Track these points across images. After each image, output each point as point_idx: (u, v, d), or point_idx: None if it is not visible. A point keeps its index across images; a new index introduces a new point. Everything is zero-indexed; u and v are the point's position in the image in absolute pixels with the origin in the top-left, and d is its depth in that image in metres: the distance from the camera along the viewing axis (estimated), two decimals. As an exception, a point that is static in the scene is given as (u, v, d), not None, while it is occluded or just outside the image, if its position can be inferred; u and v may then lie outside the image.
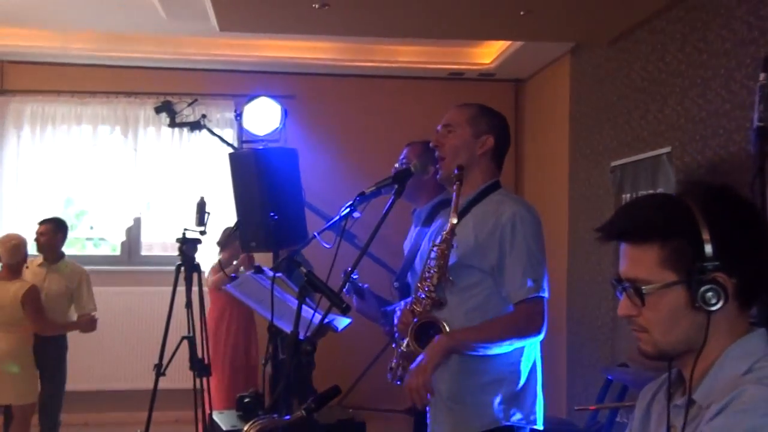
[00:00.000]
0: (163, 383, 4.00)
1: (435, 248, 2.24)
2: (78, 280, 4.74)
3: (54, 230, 4.71)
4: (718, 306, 1.21)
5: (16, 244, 4.52)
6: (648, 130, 4.17)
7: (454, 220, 2.20)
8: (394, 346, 2.47)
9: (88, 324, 4.75)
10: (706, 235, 1.21)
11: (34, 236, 4.73)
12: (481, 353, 2.24)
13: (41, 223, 4.77)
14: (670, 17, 3.96)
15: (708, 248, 1.21)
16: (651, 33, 4.17)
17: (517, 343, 2.26)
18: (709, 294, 1.21)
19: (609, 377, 3.75)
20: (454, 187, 2.24)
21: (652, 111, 4.14)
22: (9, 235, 4.67)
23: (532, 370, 2.33)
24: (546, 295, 2.26)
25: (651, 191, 3.86)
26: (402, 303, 2.48)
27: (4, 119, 5.75)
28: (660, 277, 1.25)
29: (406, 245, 3.66)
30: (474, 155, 2.35)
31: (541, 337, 2.27)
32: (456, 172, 2.26)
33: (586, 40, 4.87)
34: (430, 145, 2.43)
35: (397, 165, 3.64)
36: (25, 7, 4.89)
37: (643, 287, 1.26)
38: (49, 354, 4.58)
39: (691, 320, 1.24)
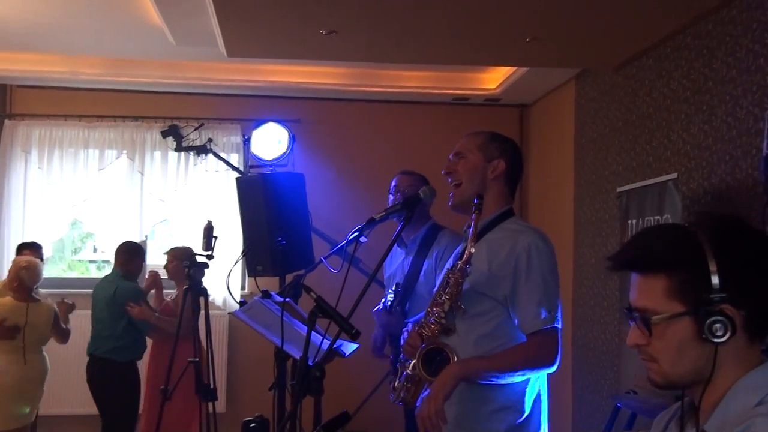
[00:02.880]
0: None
1: (449, 276, 2.23)
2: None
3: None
4: (725, 338, 1.21)
5: (40, 268, 4.72)
6: (653, 156, 4.19)
7: (472, 249, 2.18)
8: (397, 365, 2.46)
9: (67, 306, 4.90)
10: (713, 267, 1.22)
11: None
12: (492, 382, 2.24)
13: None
14: (675, 44, 3.99)
15: (715, 280, 1.22)
16: (656, 60, 4.20)
17: (530, 374, 2.26)
18: (716, 326, 1.21)
19: (618, 404, 3.72)
20: (473, 216, 2.22)
21: (657, 137, 4.16)
22: (30, 258, 4.76)
23: (537, 400, 2.32)
24: (560, 326, 2.26)
25: (657, 217, 3.86)
26: (410, 324, 2.48)
27: (12, 142, 5.79)
28: (667, 308, 1.26)
29: (390, 267, 3.69)
30: (487, 180, 2.35)
31: (554, 368, 2.27)
32: (476, 201, 2.25)
33: (592, 66, 4.91)
34: (442, 172, 2.43)
35: (391, 195, 3.69)
36: (34, 33, 4.94)
37: (651, 317, 1.27)
38: None
39: (698, 351, 1.24)
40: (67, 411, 5.71)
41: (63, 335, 4.80)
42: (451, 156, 2.43)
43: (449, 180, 2.40)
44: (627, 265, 1.33)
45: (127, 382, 4.69)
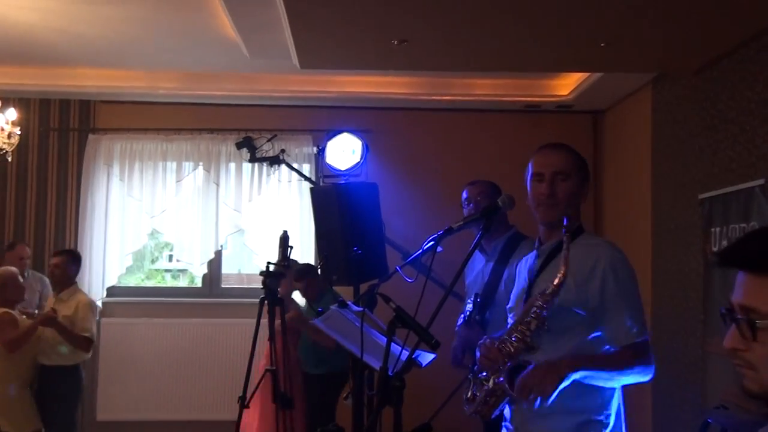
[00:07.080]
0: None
1: (540, 298, 2.22)
2: (75, 306, 4.81)
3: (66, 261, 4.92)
4: None
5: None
6: (737, 161, 4.04)
7: (564, 275, 2.18)
8: (470, 377, 2.42)
9: (45, 319, 4.65)
10: None
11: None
12: (592, 382, 2.20)
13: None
14: (759, 45, 3.85)
15: None
16: (739, 62, 4.06)
17: (631, 379, 2.24)
18: None
19: (708, 420, 3.58)
20: (564, 238, 2.22)
21: (741, 142, 4.01)
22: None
23: (618, 414, 2.30)
24: (649, 338, 2.27)
25: (743, 225, 3.72)
26: (486, 337, 2.45)
27: (95, 156, 6.00)
28: None
29: (470, 274, 3.64)
30: (580, 203, 2.37)
31: (650, 377, 2.26)
32: (565, 222, 2.23)
33: (670, 70, 4.77)
34: (544, 192, 2.34)
35: (465, 207, 3.66)
36: (114, 50, 5.13)
37: (757, 321, 1.14)
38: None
39: None
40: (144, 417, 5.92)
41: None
42: (546, 172, 2.32)
43: (547, 199, 2.32)
44: (737, 261, 1.19)
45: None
